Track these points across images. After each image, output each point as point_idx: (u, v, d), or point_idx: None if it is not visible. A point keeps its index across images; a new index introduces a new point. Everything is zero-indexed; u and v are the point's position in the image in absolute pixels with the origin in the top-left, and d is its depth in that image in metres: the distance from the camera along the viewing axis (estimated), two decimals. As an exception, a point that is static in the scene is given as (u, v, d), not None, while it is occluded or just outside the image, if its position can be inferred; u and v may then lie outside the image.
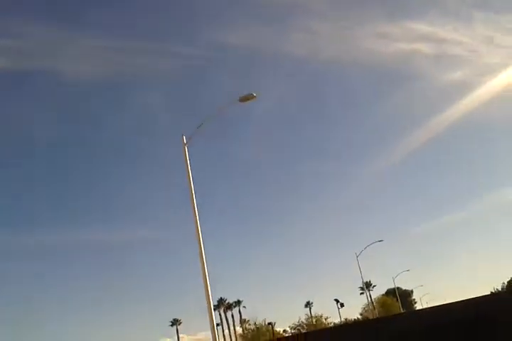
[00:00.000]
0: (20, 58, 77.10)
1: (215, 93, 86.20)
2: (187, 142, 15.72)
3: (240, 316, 78.53)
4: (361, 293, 79.70)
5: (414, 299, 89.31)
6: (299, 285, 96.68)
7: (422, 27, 77.07)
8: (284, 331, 59.92)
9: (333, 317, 65.26)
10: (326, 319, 55.85)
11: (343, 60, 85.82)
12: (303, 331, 48.87)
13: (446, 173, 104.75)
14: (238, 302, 79.68)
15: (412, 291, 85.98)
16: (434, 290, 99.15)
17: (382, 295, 77.99)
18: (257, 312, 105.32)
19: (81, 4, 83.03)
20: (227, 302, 78.87)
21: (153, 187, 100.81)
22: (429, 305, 43.86)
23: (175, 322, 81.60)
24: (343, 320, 68.44)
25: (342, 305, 71.27)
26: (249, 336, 53.13)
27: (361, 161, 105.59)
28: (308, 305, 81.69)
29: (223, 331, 77.11)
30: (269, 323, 46.52)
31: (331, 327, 41.87)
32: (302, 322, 57.84)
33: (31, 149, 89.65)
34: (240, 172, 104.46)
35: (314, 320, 56.72)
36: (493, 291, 60.67)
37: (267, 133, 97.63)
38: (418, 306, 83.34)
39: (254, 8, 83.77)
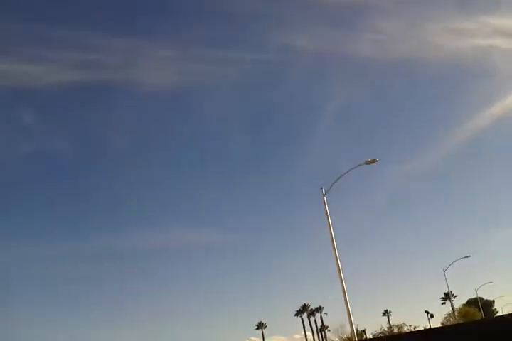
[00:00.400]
0: (99, 71, 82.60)
1: (288, 97, 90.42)
2: (326, 193, 21.22)
3: (322, 322, 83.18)
4: (442, 303, 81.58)
5: (495, 309, 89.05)
6: (378, 293, 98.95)
7: (497, 21, 72.96)
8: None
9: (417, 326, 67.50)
10: (411, 326, 58.19)
11: (413, 58, 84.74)
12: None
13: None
14: (320, 309, 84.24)
15: (493, 301, 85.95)
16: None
17: (463, 305, 78.86)
18: (337, 318, 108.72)
19: (155, 16, 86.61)
20: (310, 308, 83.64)
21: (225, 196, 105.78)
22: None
23: (260, 326, 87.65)
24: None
25: (432, 315, 73.70)
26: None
27: (426, 156, 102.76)
28: (386, 313, 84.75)
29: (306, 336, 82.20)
30: (363, 330, 49.93)
31: (418, 331, 44.10)
32: (384, 330, 61.08)
33: (110, 157, 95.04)
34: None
35: (396, 328, 59.67)
36: None
37: (336, 134, 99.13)
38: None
39: (321, 10, 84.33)
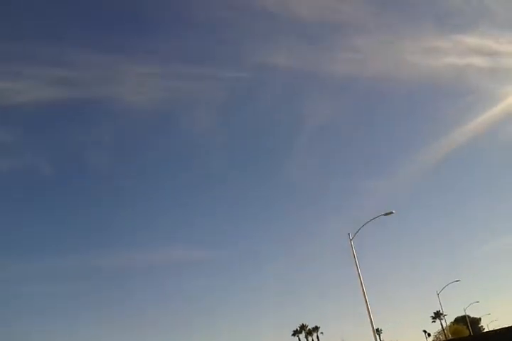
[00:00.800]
0: (77, 87, 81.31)
1: (265, 116, 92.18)
2: (352, 238, 25.72)
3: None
4: (433, 321, 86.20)
5: (482, 326, 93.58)
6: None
7: (473, 40, 71.12)
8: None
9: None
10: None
11: (390, 76, 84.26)
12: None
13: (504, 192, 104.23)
14: (316, 328, 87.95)
15: (479, 319, 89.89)
16: (502, 316, 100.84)
17: (452, 322, 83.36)
18: (333, 338, 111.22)
19: (133, 32, 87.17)
20: (308, 328, 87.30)
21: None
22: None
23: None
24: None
25: (429, 334, 77.57)
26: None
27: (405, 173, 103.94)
28: (378, 331, 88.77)
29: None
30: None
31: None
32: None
33: (89, 175, 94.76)
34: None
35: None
36: None
37: (317, 153, 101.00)
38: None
39: (298, 28, 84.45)
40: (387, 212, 25.01)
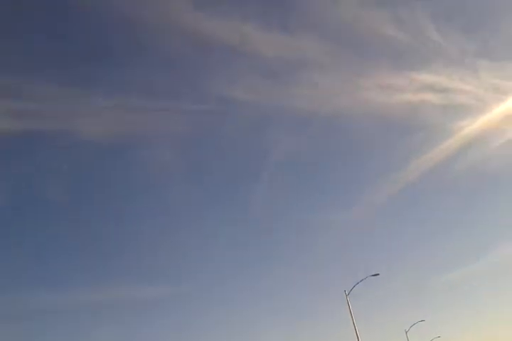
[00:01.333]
0: (32, 120, 77.17)
1: (226, 150, 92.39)
2: (348, 294, 32.25)
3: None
4: None
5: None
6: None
7: (426, 77, 74.16)
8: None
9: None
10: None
11: (348, 112, 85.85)
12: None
13: (462, 223, 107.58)
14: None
15: None
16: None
17: None
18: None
19: (91, 64, 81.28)
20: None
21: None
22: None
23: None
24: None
25: None
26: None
27: (366, 206, 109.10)
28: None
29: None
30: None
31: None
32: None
33: (45, 210, 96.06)
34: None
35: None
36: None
37: (278, 186, 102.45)
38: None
39: (259, 64, 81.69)
40: (375, 273, 31.80)
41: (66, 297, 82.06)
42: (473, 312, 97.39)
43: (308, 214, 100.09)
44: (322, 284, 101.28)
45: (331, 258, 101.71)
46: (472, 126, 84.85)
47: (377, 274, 33.08)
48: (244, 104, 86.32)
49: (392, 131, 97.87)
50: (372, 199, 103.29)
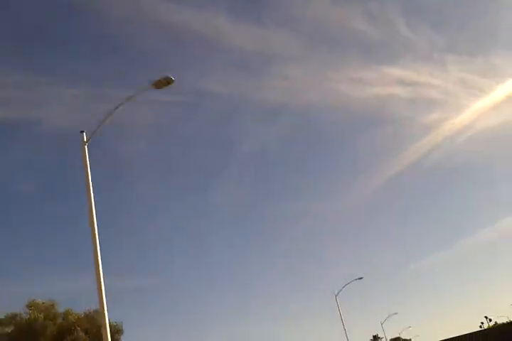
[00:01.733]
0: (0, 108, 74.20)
1: (198, 140, 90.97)
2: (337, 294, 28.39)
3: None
4: None
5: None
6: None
7: (396, 71, 78.85)
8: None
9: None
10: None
11: (319, 104, 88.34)
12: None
13: (429, 213, 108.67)
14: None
15: (410, 340, 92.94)
16: (422, 331, 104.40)
17: None
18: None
19: (58, 53, 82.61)
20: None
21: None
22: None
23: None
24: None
25: None
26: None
27: (340, 198, 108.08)
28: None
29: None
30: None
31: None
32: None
33: (10, 201, 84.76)
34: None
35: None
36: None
37: (248, 177, 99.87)
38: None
39: (232, 57, 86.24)
40: (359, 277, 29.10)
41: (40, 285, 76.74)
42: (439, 299, 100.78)
43: (278, 204, 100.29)
44: (294, 271, 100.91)
45: (302, 247, 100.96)
46: (440, 119, 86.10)
47: (361, 278, 31.03)
48: (217, 95, 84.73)
49: (362, 124, 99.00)
50: (343, 191, 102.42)
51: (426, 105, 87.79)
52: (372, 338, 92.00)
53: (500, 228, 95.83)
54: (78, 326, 33.01)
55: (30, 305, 32.65)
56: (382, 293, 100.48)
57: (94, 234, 12.23)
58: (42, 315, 31.89)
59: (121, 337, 34.77)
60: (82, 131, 14.84)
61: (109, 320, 12.26)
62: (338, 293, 33.39)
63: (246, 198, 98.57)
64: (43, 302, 33.21)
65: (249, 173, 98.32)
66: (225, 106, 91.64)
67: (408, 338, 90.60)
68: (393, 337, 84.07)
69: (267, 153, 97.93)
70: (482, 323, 74.76)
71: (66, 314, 34.15)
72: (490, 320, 75.30)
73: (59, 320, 33.62)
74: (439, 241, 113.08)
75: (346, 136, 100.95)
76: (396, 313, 59.00)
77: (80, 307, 35.01)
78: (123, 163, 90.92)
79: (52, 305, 33.67)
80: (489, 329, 46.43)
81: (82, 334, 32.92)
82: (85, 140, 14.72)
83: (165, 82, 14.98)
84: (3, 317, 31.89)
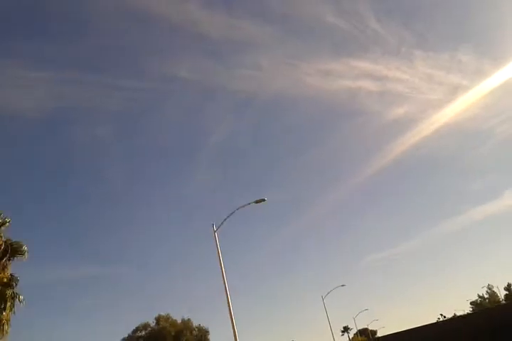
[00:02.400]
0: None
1: (167, 128, 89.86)
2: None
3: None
4: (342, 335, 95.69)
5: (378, 337, 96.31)
6: (278, 326, 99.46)
7: (365, 65, 79.62)
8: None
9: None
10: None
11: (289, 94, 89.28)
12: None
13: (392, 206, 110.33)
14: None
15: (376, 331, 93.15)
16: (388, 322, 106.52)
17: (355, 334, 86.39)
18: None
19: (24, 36, 79.47)
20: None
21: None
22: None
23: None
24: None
25: None
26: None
27: (307, 195, 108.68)
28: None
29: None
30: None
31: None
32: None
33: None
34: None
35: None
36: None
37: (217, 166, 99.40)
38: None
39: (202, 44, 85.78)
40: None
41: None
42: (405, 291, 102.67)
43: (247, 193, 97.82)
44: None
45: (264, 240, 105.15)
46: (407, 113, 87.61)
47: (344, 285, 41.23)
48: (187, 82, 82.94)
49: (332, 115, 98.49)
50: (313, 180, 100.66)
51: (394, 99, 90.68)
52: (342, 329, 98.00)
53: (464, 220, 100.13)
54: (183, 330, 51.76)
55: (159, 318, 52.30)
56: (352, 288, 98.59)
57: None
58: (167, 324, 51.72)
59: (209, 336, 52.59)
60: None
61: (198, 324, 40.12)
62: (324, 296, 45.47)
63: (216, 187, 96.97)
64: (167, 314, 53.13)
65: (219, 162, 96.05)
66: (194, 93, 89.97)
67: (375, 329, 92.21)
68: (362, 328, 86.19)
69: (238, 142, 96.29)
70: (439, 318, 75.65)
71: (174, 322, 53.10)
72: (444, 317, 76.38)
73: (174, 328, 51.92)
74: (402, 233, 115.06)
75: (316, 126, 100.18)
76: (367, 309, 67.40)
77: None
78: (87, 150, 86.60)
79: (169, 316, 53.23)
80: (444, 321, 48.84)
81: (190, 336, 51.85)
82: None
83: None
84: (138, 325, 51.67)
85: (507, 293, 72.33)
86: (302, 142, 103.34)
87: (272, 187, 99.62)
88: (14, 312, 17.39)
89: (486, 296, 74.08)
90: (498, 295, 73.44)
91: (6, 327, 16.94)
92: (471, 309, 73.95)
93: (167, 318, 52.67)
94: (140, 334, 51.76)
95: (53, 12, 75.47)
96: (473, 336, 27.16)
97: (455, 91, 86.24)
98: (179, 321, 53.12)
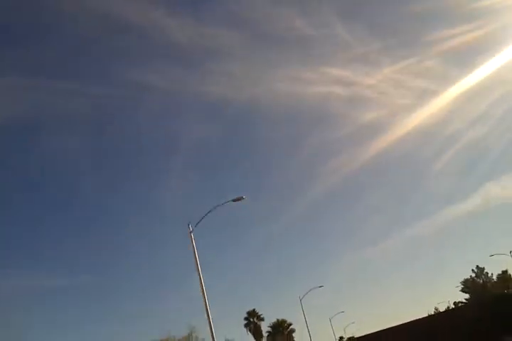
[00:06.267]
0: None
1: (138, 136, 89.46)
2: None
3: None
4: None
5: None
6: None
7: (334, 71, 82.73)
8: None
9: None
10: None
11: (261, 101, 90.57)
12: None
13: (365, 206, 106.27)
14: None
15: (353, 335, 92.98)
16: (363, 324, 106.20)
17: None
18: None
19: None
20: None
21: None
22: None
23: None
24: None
25: None
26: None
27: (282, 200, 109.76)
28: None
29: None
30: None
31: None
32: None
33: None
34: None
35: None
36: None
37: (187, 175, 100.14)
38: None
39: (173, 51, 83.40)
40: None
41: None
42: (380, 293, 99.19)
43: (222, 200, 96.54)
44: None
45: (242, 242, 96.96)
46: (377, 117, 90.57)
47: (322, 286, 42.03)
48: (156, 90, 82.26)
49: (303, 122, 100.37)
50: (281, 187, 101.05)
51: (363, 104, 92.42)
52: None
53: (437, 220, 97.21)
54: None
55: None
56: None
57: None
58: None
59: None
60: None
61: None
62: (302, 297, 43.47)
63: (189, 194, 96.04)
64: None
65: (189, 169, 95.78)
66: (164, 100, 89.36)
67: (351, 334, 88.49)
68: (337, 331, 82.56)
69: (210, 149, 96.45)
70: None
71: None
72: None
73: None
74: (375, 235, 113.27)
75: (288, 133, 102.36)
76: (343, 311, 65.43)
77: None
78: (53, 159, 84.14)
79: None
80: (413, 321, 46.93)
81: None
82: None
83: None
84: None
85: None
86: (273, 148, 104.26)
87: (245, 192, 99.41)
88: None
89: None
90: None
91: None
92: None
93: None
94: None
95: (17, 16, 73.91)
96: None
97: (423, 96, 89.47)
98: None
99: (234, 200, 21.11)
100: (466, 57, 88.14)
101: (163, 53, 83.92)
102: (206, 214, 20.78)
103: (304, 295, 49.03)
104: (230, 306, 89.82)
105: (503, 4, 66.46)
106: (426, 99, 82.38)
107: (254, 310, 77.21)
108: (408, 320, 39.58)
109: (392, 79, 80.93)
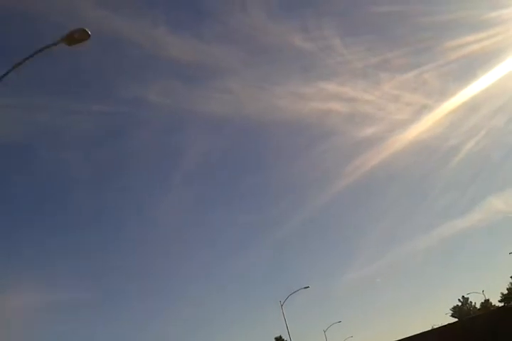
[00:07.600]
0: None
1: (139, 153, 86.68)
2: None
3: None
4: None
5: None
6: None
7: (333, 87, 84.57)
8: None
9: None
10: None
11: (261, 118, 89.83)
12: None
13: (364, 221, 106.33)
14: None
15: None
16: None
17: None
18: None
19: None
20: None
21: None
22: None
23: None
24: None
25: None
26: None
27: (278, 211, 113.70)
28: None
29: None
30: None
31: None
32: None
33: None
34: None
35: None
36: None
37: (191, 191, 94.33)
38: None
39: (174, 69, 78.49)
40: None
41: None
42: (377, 308, 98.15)
43: (221, 217, 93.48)
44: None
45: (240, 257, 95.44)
46: (376, 133, 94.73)
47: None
48: (157, 107, 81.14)
49: (304, 137, 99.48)
50: (283, 203, 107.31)
51: (362, 120, 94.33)
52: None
53: (432, 237, 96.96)
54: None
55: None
56: (324, 303, 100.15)
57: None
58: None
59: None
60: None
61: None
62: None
63: (189, 211, 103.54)
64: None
65: (191, 186, 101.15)
66: (165, 117, 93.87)
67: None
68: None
69: (212, 166, 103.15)
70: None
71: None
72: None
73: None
74: (374, 251, 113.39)
75: (289, 149, 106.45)
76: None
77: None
78: (54, 176, 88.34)
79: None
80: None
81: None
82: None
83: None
84: None
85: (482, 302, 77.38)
86: (275, 163, 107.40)
87: (240, 211, 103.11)
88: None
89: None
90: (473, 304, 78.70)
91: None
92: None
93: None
94: None
95: (18, 35, 76.88)
96: None
97: (421, 110, 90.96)
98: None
99: (304, 288, 35.10)
100: (464, 70, 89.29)
101: (164, 70, 78.26)
102: (295, 292, 34.55)
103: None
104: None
105: (497, 19, 70.98)
106: (424, 114, 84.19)
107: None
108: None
109: (390, 95, 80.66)
